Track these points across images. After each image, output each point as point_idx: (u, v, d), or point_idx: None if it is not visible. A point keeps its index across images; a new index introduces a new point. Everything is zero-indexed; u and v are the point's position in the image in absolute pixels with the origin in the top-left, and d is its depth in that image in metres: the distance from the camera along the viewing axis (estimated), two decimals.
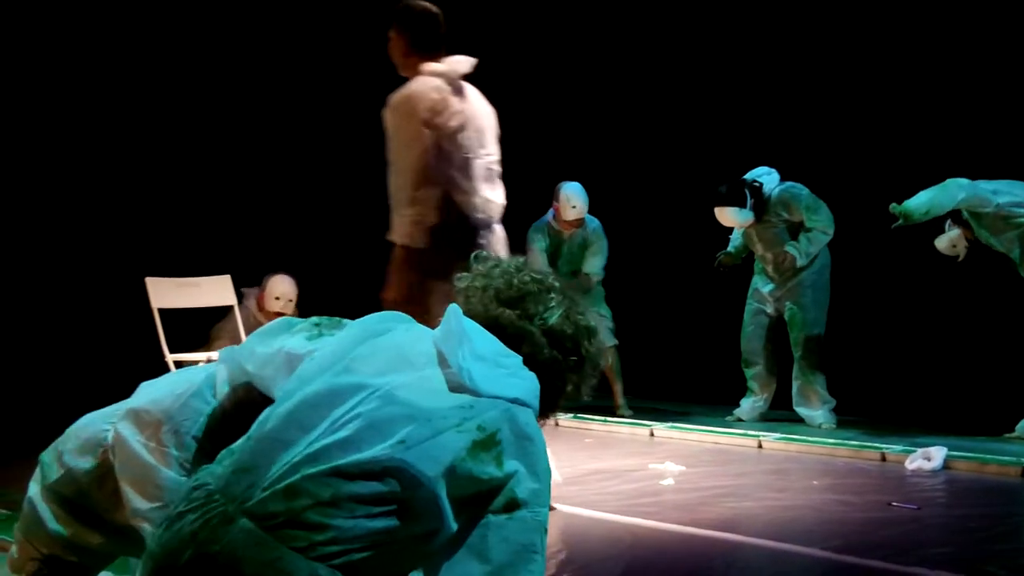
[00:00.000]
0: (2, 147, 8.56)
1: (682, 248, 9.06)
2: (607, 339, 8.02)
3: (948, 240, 7.13)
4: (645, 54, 9.63)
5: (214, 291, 7.30)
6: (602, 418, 7.63)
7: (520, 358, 2.30)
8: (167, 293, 7.21)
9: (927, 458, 5.95)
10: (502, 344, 2.30)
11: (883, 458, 6.23)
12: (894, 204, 6.74)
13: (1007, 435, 6.75)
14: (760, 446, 6.72)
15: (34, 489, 3.26)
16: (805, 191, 7.35)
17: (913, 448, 6.15)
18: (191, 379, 3.13)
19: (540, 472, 2.23)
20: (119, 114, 8.81)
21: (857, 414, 7.42)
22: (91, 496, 3.17)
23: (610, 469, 6.08)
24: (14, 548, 3.30)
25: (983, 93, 8.07)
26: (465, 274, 2.46)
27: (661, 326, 9.35)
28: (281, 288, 7.52)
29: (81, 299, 8.77)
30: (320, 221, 9.56)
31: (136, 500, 3.01)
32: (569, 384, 2.42)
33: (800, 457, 6.45)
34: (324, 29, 9.62)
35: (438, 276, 4.52)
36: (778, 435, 6.82)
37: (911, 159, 8.32)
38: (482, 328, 2.31)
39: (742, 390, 7.68)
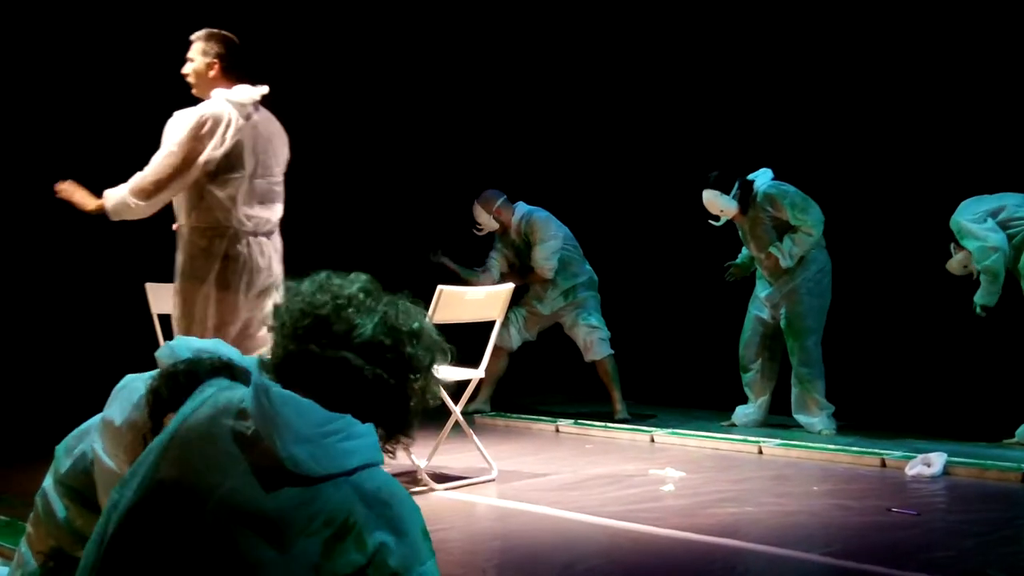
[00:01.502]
0: (3, 151, 8.57)
1: (684, 253, 9.08)
2: (602, 350, 8.02)
3: (958, 262, 7.09)
4: (647, 60, 9.64)
5: None
6: (602, 424, 7.63)
7: (347, 417, 2.07)
8: (167, 299, 7.21)
9: (927, 464, 5.95)
10: (320, 409, 2.05)
11: (883, 464, 6.23)
12: (977, 307, 6.88)
13: (1007, 440, 6.74)
14: (760, 452, 6.72)
15: (48, 481, 3.28)
16: (793, 189, 7.34)
17: (913, 454, 6.15)
18: (140, 385, 3.11)
19: (408, 530, 2.04)
20: (121, 118, 8.81)
21: (857, 420, 7.41)
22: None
23: (610, 475, 6.08)
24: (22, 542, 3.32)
25: (984, 96, 8.08)
26: (271, 312, 2.24)
27: (662, 332, 9.36)
28: None
29: (81, 304, 8.78)
30: (320, 224, 9.57)
31: None
32: (411, 395, 2.19)
33: (800, 463, 6.46)
34: (331, 39, 9.64)
35: (204, 282, 5.11)
36: (778, 441, 6.82)
37: (912, 162, 8.33)
38: (295, 397, 2.06)
39: (743, 395, 7.69)
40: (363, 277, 2.24)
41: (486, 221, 8.14)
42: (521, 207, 8.12)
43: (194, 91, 5.24)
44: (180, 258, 5.20)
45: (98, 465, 3.06)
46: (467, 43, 9.90)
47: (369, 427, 2.10)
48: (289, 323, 2.15)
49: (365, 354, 2.12)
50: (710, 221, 7.55)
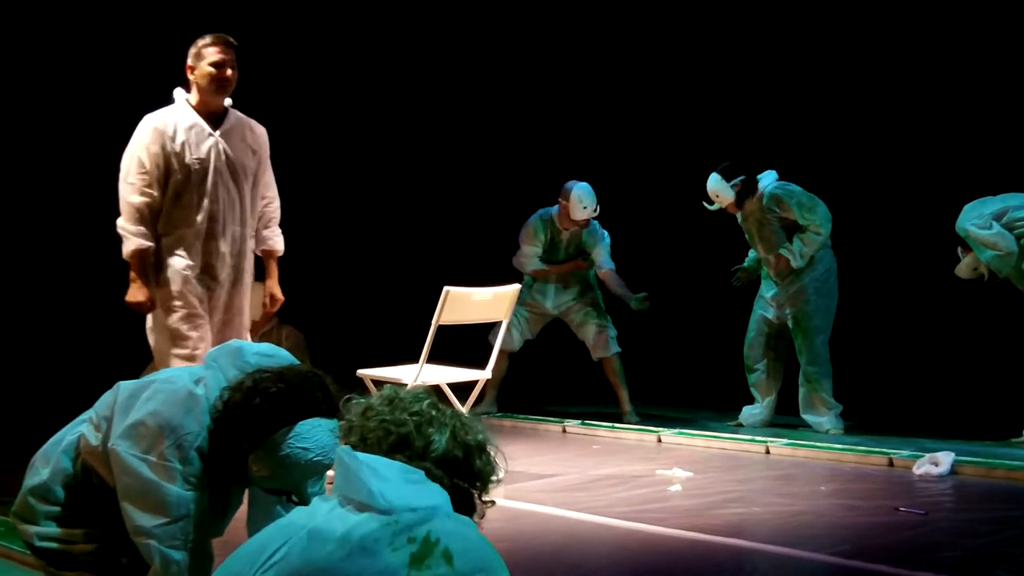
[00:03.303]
0: (10, 152, 8.57)
1: (691, 254, 9.07)
2: (610, 348, 8.01)
3: (967, 266, 7.06)
4: (655, 61, 9.63)
5: None
6: (609, 424, 7.63)
7: (423, 472, 2.29)
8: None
9: (934, 463, 5.94)
10: (402, 463, 2.28)
11: (890, 463, 6.22)
12: None
13: (1014, 439, 6.73)
14: (767, 452, 6.71)
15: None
16: (798, 189, 7.34)
17: (920, 453, 6.14)
18: (184, 387, 3.11)
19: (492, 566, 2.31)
20: (129, 120, 8.82)
21: (864, 419, 7.41)
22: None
23: (617, 475, 6.08)
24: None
25: (988, 95, 8.07)
26: (341, 425, 2.46)
27: (669, 332, 9.35)
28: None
29: (88, 308, 8.78)
30: (322, 229, 9.57)
31: (139, 517, 3.00)
32: (475, 502, 2.43)
33: (807, 462, 6.45)
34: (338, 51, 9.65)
35: None
36: (785, 441, 6.82)
37: (918, 162, 8.32)
38: (376, 456, 2.29)
39: (749, 396, 7.68)
40: (423, 393, 2.44)
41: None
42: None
43: (223, 96, 5.33)
44: (248, 263, 5.46)
45: (121, 468, 3.05)
46: (474, 43, 9.89)
47: (441, 488, 2.30)
48: (373, 440, 2.33)
49: (442, 466, 2.33)
50: (704, 203, 7.54)
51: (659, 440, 7.20)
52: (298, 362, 3.19)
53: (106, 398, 3.25)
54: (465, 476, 2.37)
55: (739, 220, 7.64)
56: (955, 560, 4.27)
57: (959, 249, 7.04)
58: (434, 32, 9.90)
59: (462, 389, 5.97)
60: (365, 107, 9.94)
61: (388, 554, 2.15)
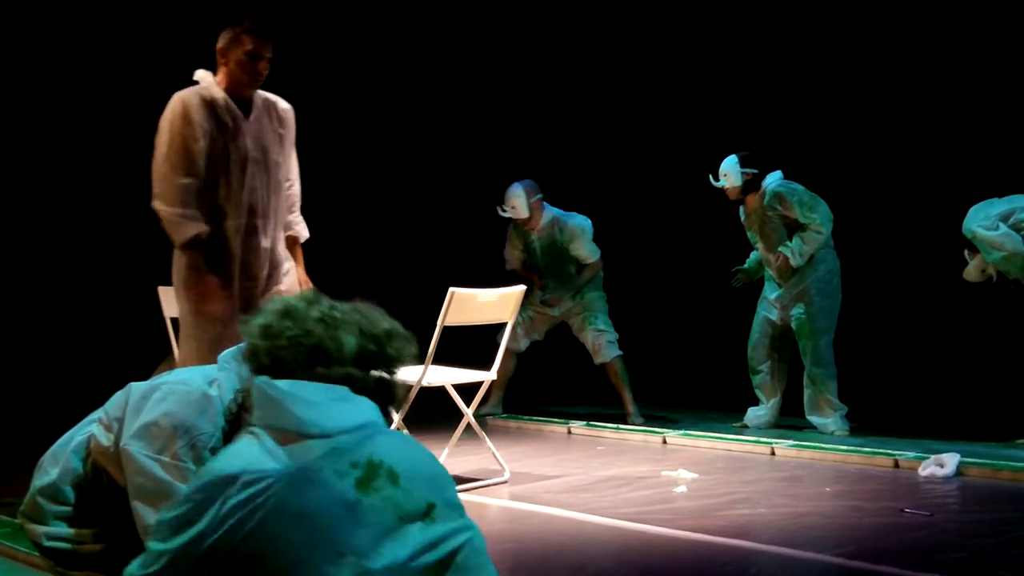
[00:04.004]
0: (16, 156, 8.59)
1: (694, 255, 9.08)
2: (610, 352, 8.00)
3: (975, 268, 7.04)
4: (659, 61, 9.64)
5: None
6: (614, 425, 7.63)
7: (346, 388, 2.31)
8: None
9: (940, 464, 5.94)
10: (320, 384, 2.29)
11: (896, 464, 6.22)
12: None
13: (1020, 441, 6.73)
14: (773, 453, 6.71)
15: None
16: (801, 187, 7.34)
17: (926, 454, 6.14)
18: (198, 387, 3.11)
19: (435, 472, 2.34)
20: (134, 123, 8.83)
21: (870, 421, 7.40)
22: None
23: (623, 476, 6.08)
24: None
25: (992, 95, 8.07)
26: (244, 350, 2.43)
27: (673, 334, 9.36)
28: None
29: (94, 308, 8.80)
30: (326, 231, 9.57)
31: (151, 517, 2.98)
32: (395, 390, 2.46)
33: (813, 464, 6.45)
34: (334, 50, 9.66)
35: None
36: (791, 442, 6.81)
37: (923, 161, 8.32)
38: (296, 381, 2.29)
39: (755, 397, 7.69)
40: (310, 294, 2.44)
41: (520, 206, 7.99)
42: (550, 209, 8.11)
43: (254, 89, 5.10)
44: (282, 259, 5.25)
45: (134, 468, 3.05)
46: (474, 42, 9.90)
47: (363, 398, 2.34)
48: (290, 358, 2.32)
49: (360, 364, 2.34)
50: (711, 176, 7.53)
51: (664, 441, 7.20)
52: None
53: (117, 398, 3.25)
54: (383, 366, 2.39)
55: (742, 219, 7.65)
56: (960, 561, 4.26)
57: (966, 251, 7.03)
58: (440, 34, 9.90)
59: (468, 391, 5.97)
60: (369, 106, 9.95)
61: (336, 481, 2.16)
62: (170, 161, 4.87)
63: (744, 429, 7.51)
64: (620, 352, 8.01)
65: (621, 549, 4.61)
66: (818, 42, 8.79)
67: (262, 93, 5.16)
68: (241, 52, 4.98)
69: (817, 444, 6.77)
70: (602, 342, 8.00)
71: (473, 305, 5.76)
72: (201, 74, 5.07)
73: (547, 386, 9.08)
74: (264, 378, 2.29)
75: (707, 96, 9.34)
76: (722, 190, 7.53)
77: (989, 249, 6.76)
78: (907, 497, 5.44)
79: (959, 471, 5.91)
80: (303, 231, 5.46)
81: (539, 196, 8.07)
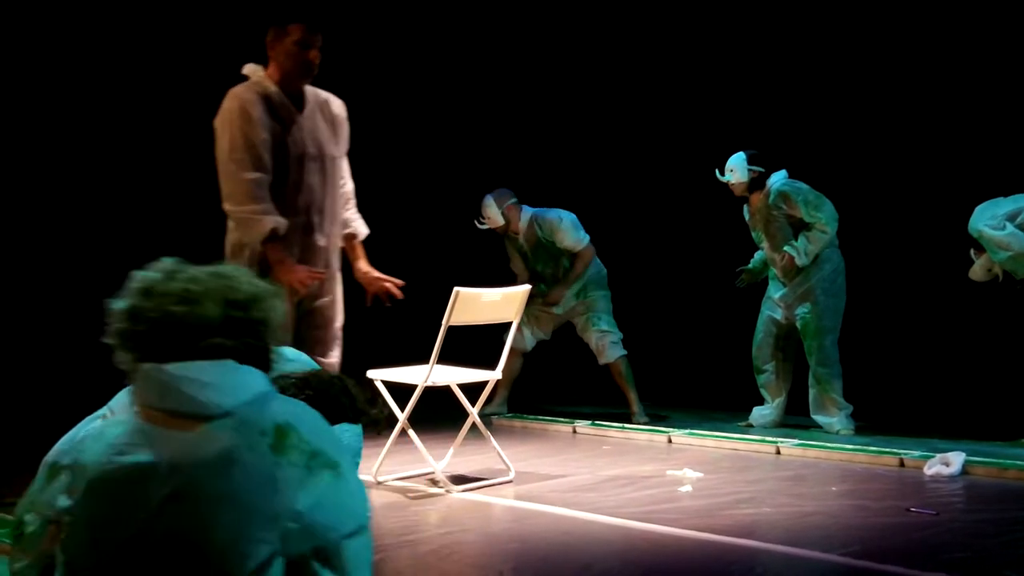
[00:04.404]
0: (14, 153, 8.59)
1: (699, 254, 9.07)
2: (614, 352, 8.00)
3: (981, 267, 7.02)
4: (663, 58, 9.63)
5: None
6: (619, 425, 7.63)
7: (228, 361, 2.30)
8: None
9: (945, 463, 5.94)
10: (204, 363, 2.28)
11: (901, 464, 6.21)
12: None
13: None
14: (778, 452, 6.71)
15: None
16: (805, 187, 7.34)
17: (931, 453, 6.13)
18: None
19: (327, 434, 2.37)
20: (136, 121, 8.84)
21: (875, 420, 7.40)
22: None
23: (628, 476, 6.08)
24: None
25: (997, 93, 8.06)
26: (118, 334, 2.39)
27: (678, 333, 9.36)
28: None
29: (94, 308, 8.79)
30: None
31: None
32: (268, 356, 2.42)
33: (818, 463, 6.45)
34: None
35: None
36: (796, 441, 6.81)
37: (928, 160, 8.31)
38: (183, 364, 2.27)
39: (760, 396, 7.68)
40: (170, 263, 2.40)
41: (494, 215, 8.09)
42: (527, 210, 8.12)
43: (307, 81, 5.01)
44: (338, 259, 5.19)
45: None
46: (471, 41, 9.89)
47: (247, 367, 2.32)
48: (159, 339, 2.29)
49: (229, 333, 2.31)
50: (717, 171, 7.53)
51: (669, 441, 7.19)
52: (318, 367, 3.19)
53: (122, 397, 3.24)
54: (251, 332, 2.36)
55: (746, 218, 7.65)
56: (966, 561, 4.26)
57: (972, 251, 7.01)
58: (428, 32, 9.90)
59: (473, 390, 5.97)
60: (370, 105, 9.94)
61: (254, 457, 2.19)
62: (235, 159, 4.76)
63: (749, 428, 7.51)
64: (624, 352, 8.00)
65: (626, 549, 4.61)
66: (822, 41, 8.78)
67: (313, 89, 5.06)
68: (290, 43, 4.88)
69: (822, 443, 6.77)
70: (605, 343, 8.00)
71: (478, 305, 5.75)
72: (251, 68, 4.96)
73: (552, 386, 9.08)
74: (150, 364, 2.27)
75: (712, 96, 9.34)
76: (727, 185, 7.53)
77: (996, 249, 6.75)
78: (913, 496, 5.43)
79: (965, 470, 5.91)
80: (363, 227, 5.38)
81: (512, 200, 8.10)
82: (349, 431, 3.00)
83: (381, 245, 9.54)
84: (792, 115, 8.82)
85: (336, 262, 5.22)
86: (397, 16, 9.80)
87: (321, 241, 5.03)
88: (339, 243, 5.22)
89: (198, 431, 2.20)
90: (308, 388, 3.01)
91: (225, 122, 4.82)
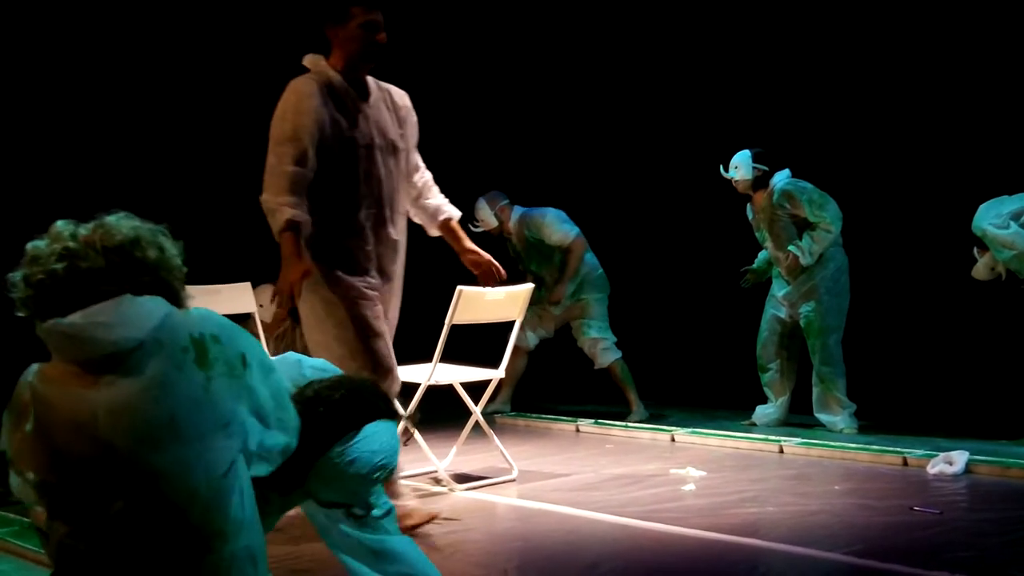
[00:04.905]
0: (18, 154, 8.60)
1: (703, 253, 9.07)
2: (608, 357, 7.99)
3: (984, 266, 6.98)
4: (663, 56, 9.63)
5: (234, 298, 7.28)
6: (623, 424, 7.63)
7: (124, 295, 2.37)
8: (187, 300, 7.17)
9: (949, 462, 5.93)
10: (103, 302, 2.36)
11: (904, 462, 6.21)
12: None
13: None
14: (781, 451, 6.70)
15: None
16: (810, 186, 7.34)
17: (935, 452, 6.13)
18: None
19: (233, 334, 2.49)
20: (138, 120, 8.84)
21: (878, 418, 7.39)
22: None
23: (631, 474, 6.08)
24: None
25: (1000, 92, 8.05)
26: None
27: (681, 331, 9.35)
28: (264, 296, 7.35)
29: None
30: None
31: None
32: (177, 293, 2.50)
33: (821, 462, 6.44)
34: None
35: None
36: (799, 440, 6.81)
37: (932, 159, 8.31)
38: (86, 310, 2.35)
39: (763, 395, 7.68)
40: (58, 226, 2.45)
41: (487, 218, 8.11)
42: (517, 210, 8.13)
43: (372, 65, 4.82)
44: (402, 258, 4.94)
45: None
46: (467, 41, 9.89)
47: (150, 296, 2.41)
48: (54, 299, 2.36)
49: (114, 278, 2.37)
50: (722, 167, 7.52)
51: (673, 439, 7.19)
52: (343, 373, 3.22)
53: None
54: (140, 273, 2.41)
55: (749, 217, 7.64)
56: (969, 560, 4.25)
57: (975, 249, 7.00)
58: (426, 31, 9.89)
59: (476, 389, 5.98)
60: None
61: (181, 375, 2.31)
62: (277, 152, 4.60)
63: (753, 427, 7.50)
64: (619, 354, 7.99)
65: (630, 547, 4.61)
66: (825, 40, 8.77)
67: (373, 78, 4.89)
68: (355, 26, 4.70)
69: (826, 442, 6.77)
70: (597, 350, 8.02)
71: (481, 303, 5.76)
72: (311, 59, 4.79)
73: (555, 384, 9.08)
74: (52, 320, 2.35)
75: (715, 96, 9.33)
76: (730, 182, 7.52)
77: (1000, 248, 6.74)
78: (916, 495, 5.43)
79: (968, 469, 5.90)
80: (454, 209, 5.18)
81: (504, 202, 8.13)
82: (388, 429, 3.00)
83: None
84: (795, 114, 8.81)
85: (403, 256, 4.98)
86: (397, 15, 9.79)
87: (394, 234, 4.83)
88: (405, 240, 4.95)
89: (121, 369, 2.30)
90: (343, 388, 3.03)
91: (280, 113, 4.66)
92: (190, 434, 2.29)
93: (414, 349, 6.31)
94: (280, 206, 4.51)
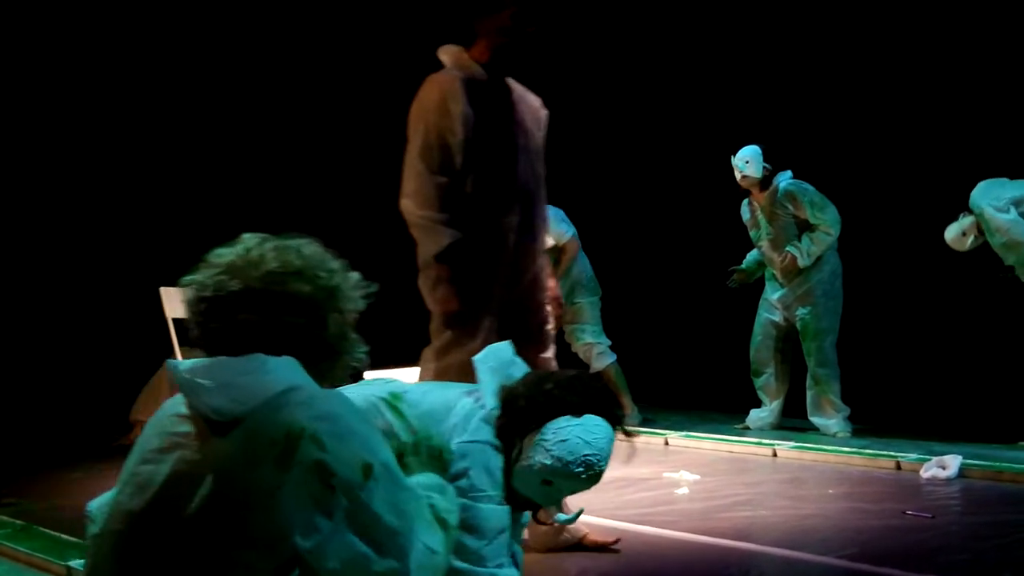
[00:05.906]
0: (17, 156, 8.59)
1: (695, 256, 9.06)
2: (602, 362, 7.99)
3: (958, 229, 6.91)
4: (657, 57, 9.63)
5: None
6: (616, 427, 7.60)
7: (256, 356, 2.09)
8: (181, 303, 7.19)
9: (942, 466, 5.93)
10: (226, 358, 2.10)
11: (898, 466, 6.21)
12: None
13: (1022, 443, 6.72)
14: (775, 455, 6.71)
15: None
16: (811, 188, 7.35)
17: (928, 456, 6.13)
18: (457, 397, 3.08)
19: (356, 429, 2.08)
20: (135, 123, 8.84)
21: (872, 422, 7.40)
22: None
23: (624, 478, 6.06)
24: None
25: (1000, 93, 8.06)
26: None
27: (674, 335, 9.35)
28: None
29: (95, 309, 8.79)
30: (337, 230, 9.56)
31: (463, 539, 2.86)
32: (331, 322, 2.19)
33: (815, 466, 6.44)
34: (333, 36, 9.64)
35: None
36: (793, 444, 6.81)
37: (926, 163, 8.31)
38: (201, 360, 2.12)
39: (756, 398, 7.68)
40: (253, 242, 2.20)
41: None
42: None
43: (517, 62, 4.43)
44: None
45: None
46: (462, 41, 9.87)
47: (285, 358, 2.09)
48: (205, 305, 2.16)
49: (258, 309, 2.12)
50: (732, 158, 7.46)
51: (666, 443, 7.19)
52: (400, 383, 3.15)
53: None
54: (296, 311, 2.15)
55: (744, 218, 7.64)
56: (963, 563, 4.26)
57: (962, 213, 6.92)
58: (423, 30, 9.88)
59: None
60: (373, 103, 9.94)
61: (251, 473, 1.97)
62: (424, 158, 4.19)
63: (746, 431, 7.50)
64: (612, 359, 7.99)
65: (623, 551, 4.60)
66: (824, 43, 8.77)
67: (510, 80, 4.50)
68: (506, 16, 4.28)
69: (819, 446, 6.77)
70: (591, 355, 8.02)
71: None
72: (452, 51, 4.43)
73: None
74: (171, 362, 2.14)
75: (711, 97, 9.32)
76: (735, 175, 7.43)
77: (994, 231, 6.72)
78: (909, 499, 5.43)
79: (961, 473, 5.90)
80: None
81: None
82: (605, 429, 3.00)
83: (382, 245, 9.54)
84: (790, 117, 8.81)
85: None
86: (395, 16, 9.80)
87: (535, 243, 4.45)
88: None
89: (205, 441, 2.02)
90: (563, 375, 2.96)
91: (419, 112, 4.26)
92: (224, 538, 1.97)
93: (417, 349, 6.30)
94: (437, 224, 4.17)
